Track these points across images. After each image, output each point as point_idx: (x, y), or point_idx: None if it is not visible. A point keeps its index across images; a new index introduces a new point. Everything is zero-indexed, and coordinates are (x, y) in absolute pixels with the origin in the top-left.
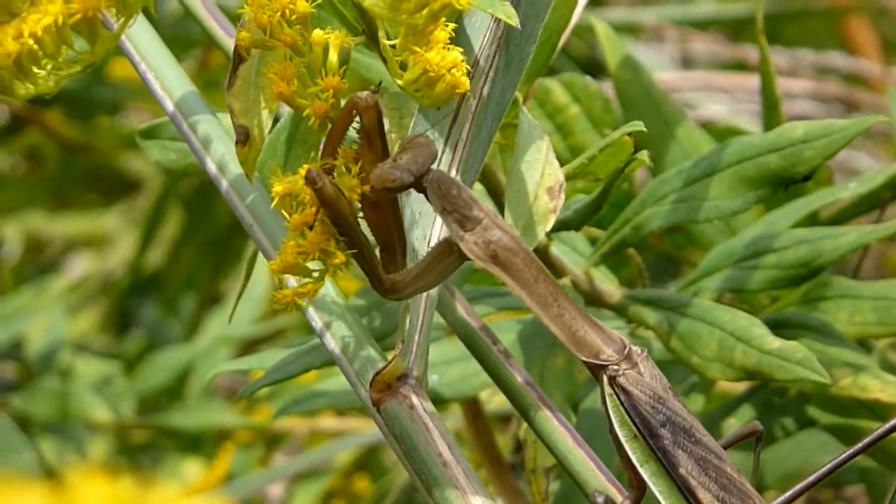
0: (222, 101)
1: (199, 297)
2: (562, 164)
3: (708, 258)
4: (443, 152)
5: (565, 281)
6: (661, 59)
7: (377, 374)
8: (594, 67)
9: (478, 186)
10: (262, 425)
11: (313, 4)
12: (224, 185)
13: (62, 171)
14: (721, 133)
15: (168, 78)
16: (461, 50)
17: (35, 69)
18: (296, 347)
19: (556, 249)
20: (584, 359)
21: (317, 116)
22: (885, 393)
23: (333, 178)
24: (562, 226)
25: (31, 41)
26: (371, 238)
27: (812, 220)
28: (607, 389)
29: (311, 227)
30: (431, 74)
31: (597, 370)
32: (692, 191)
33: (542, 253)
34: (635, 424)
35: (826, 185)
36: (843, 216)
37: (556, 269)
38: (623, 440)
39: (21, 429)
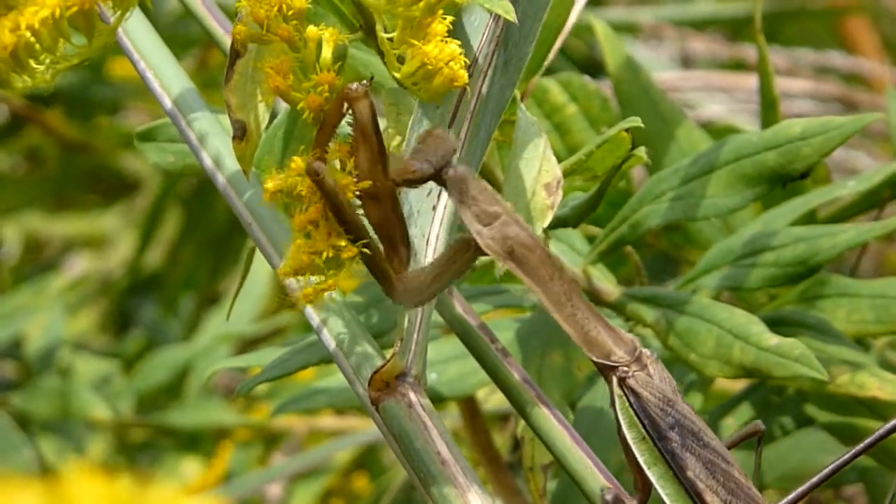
0: (221, 100)
1: (198, 296)
2: (559, 162)
3: (706, 257)
4: None
5: None
6: (659, 59)
7: (375, 372)
8: (593, 67)
9: None
10: (260, 424)
11: (310, 0)
12: (223, 183)
13: (61, 171)
14: (720, 133)
15: (167, 77)
16: (459, 43)
17: (33, 63)
18: (294, 345)
19: (553, 247)
20: (594, 359)
21: (311, 109)
22: (883, 390)
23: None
24: (559, 223)
25: (28, 34)
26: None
27: (810, 219)
28: (617, 391)
29: (316, 225)
30: (429, 67)
31: (607, 371)
32: (689, 188)
33: None
34: (644, 426)
35: (824, 184)
36: (842, 216)
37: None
38: (631, 442)
39: (20, 427)
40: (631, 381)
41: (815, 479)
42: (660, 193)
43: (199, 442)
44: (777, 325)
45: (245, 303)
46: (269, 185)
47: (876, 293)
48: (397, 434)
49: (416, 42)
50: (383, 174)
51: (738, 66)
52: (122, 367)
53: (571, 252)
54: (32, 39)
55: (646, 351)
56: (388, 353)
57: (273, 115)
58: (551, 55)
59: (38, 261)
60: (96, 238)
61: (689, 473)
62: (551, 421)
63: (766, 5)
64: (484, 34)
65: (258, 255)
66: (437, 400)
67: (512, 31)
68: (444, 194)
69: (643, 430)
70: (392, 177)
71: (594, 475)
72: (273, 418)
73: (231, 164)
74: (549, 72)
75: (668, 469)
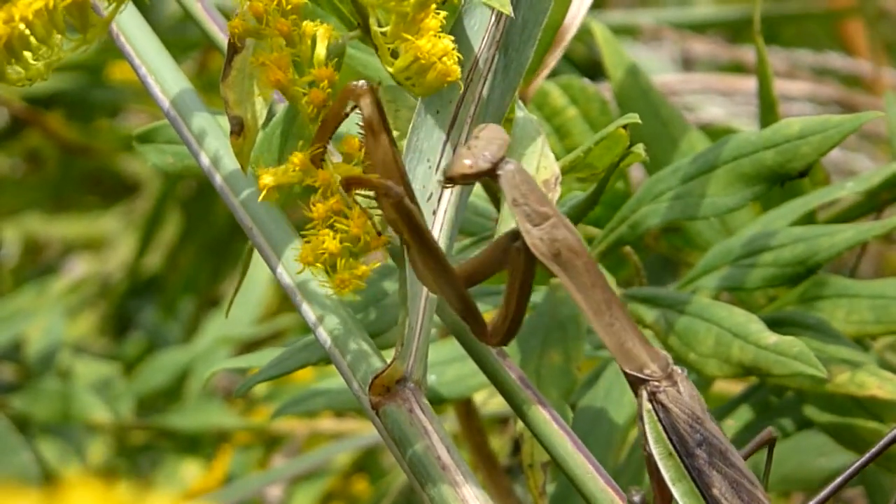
0: (221, 102)
1: (198, 299)
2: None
3: (705, 257)
4: (442, 155)
5: None
6: (659, 61)
7: (376, 377)
8: (593, 69)
9: None
10: (260, 427)
11: None
12: (224, 186)
13: (61, 173)
14: (719, 135)
15: (167, 80)
16: (452, 38)
17: (28, 55)
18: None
19: None
20: (627, 371)
21: (315, 105)
22: (883, 389)
23: (324, 166)
24: None
25: (21, 25)
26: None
27: (809, 220)
28: (646, 405)
29: (341, 214)
30: (422, 62)
31: (638, 384)
32: (688, 188)
33: None
34: (672, 442)
35: (823, 185)
36: (841, 219)
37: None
38: (657, 457)
39: (20, 430)
40: (661, 396)
41: (824, 494)
42: (658, 193)
43: (199, 445)
44: (776, 325)
45: (245, 305)
46: (268, 179)
47: (875, 294)
48: (398, 438)
49: (409, 37)
50: (395, 168)
51: (738, 68)
52: (122, 370)
53: None
54: (27, 32)
55: (677, 368)
56: (387, 356)
57: (271, 115)
58: (554, 61)
59: (37, 263)
60: (96, 240)
61: (715, 491)
62: (551, 424)
63: (766, 8)
64: (484, 38)
65: (257, 258)
66: (437, 402)
67: (512, 35)
68: (444, 200)
69: (670, 446)
70: (448, 173)
71: (593, 477)
72: (273, 421)
73: (230, 164)
74: (550, 74)
75: (694, 486)
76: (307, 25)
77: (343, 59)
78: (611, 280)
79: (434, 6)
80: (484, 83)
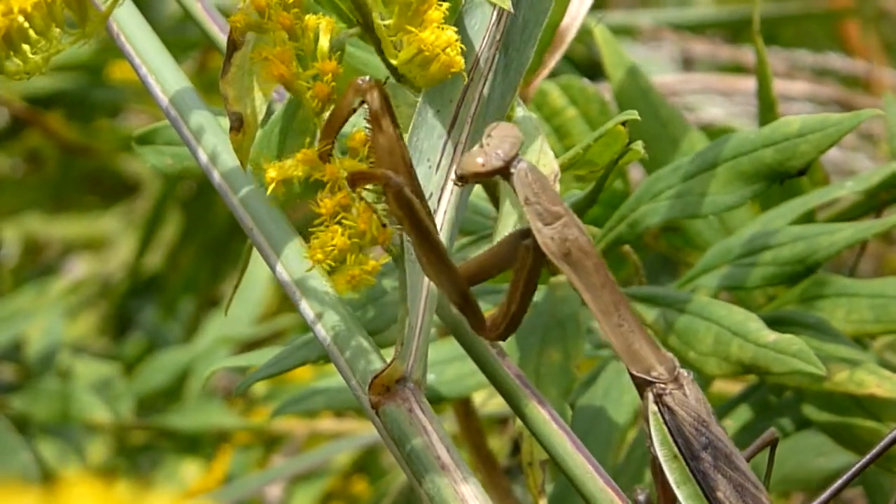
0: (221, 102)
1: (198, 299)
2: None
3: (705, 257)
4: (442, 155)
5: (561, 278)
6: (659, 62)
7: (376, 376)
8: (593, 70)
9: None
10: (260, 427)
11: None
12: (223, 184)
13: (61, 173)
14: (719, 135)
15: (167, 79)
16: (455, 29)
17: (27, 49)
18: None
19: None
20: (634, 372)
21: (319, 99)
22: (882, 388)
23: (331, 162)
24: None
25: (20, 18)
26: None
27: (809, 220)
28: (652, 407)
29: (348, 209)
30: (426, 54)
31: (644, 386)
32: (688, 186)
33: None
34: (677, 445)
35: (822, 186)
36: (840, 219)
37: (553, 267)
38: (662, 459)
39: (20, 430)
40: (667, 399)
41: (825, 496)
42: (658, 192)
43: (199, 445)
44: (776, 324)
45: (244, 305)
46: (273, 173)
47: (875, 293)
48: (397, 438)
49: (412, 28)
50: (402, 162)
51: (738, 68)
52: (122, 370)
53: None
54: (25, 24)
55: (683, 371)
56: (386, 354)
57: (269, 113)
58: (553, 61)
59: (37, 263)
60: (96, 240)
61: (720, 495)
62: (550, 424)
63: (766, 8)
64: (485, 38)
65: (256, 258)
66: (436, 401)
67: (513, 35)
68: (444, 199)
69: (675, 449)
70: (460, 172)
71: (592, 477)
72: (273, 421)
73: (229, 162)
74: (550, 75)
75: (699, 489)
76: (310, 19)
77: (343, 56)
78: None
79: None
80: (484, 83)
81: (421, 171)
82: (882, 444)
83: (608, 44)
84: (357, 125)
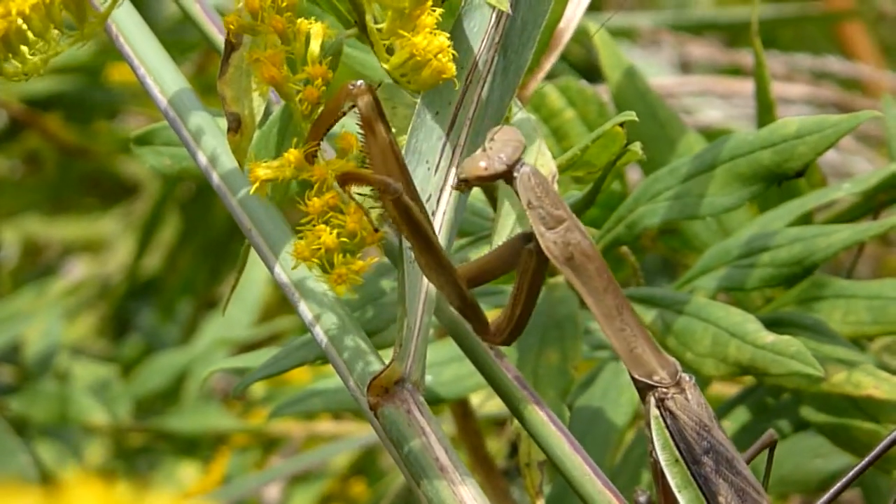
0: (220, 104)
1: (196, 301)
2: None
3: (702, 258)
4: (441, 157)
5: (559, 279)
6: (657, 64)
7: (374, 378)
8: (591, 71)
9: None
10: (258, 429)
11: None
12: (221, 186)
13: (60, 175)
14: (717, 137)
15: (166, 80)
16: (447, 35)
17: (25, 50)
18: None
19: None
20: (636, 376)
21: (309, 102)
22: (879, 389)
23: (317, 162)
24: None
25: (19, 19)
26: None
27: (806, 222)
28: (654, 411)
29: (337, 209)
30: (418, 59)
31: (646, 390)
32: (686, 188)
33: None
34: (679, 449)
35: (820, 187)
36: (838, 221)
37: (551, 268)
38: (664, 463)
39: (18, 432)
40: (670, 403)
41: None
42: (656, 193)
43: (196, 446)
44: (774, 325)
45: (242, 307)
46: (260, 172)
47: (872, 294)
48: (396, 440)
49: (405, 33)
50: (396, 166)
51: (736, 71)
52: (120, 372)
53: None
54: (24, 26)
55: (685, 375)
56: (385, 355)
57: (268, 114)
58: (549, 63)
59: (36, 265)
60: (95, 242)
61: (721, 499)
62: (548, 426)
63: (764, 10)
64: (483, 40)
65: (255, 261)
66: (434, 402)
67: (511, 37)
68: (443, 201)
69: (677, 453)
70: (463, 175)
71: (590, 479)
72: (271, 423)
73: (228, 163)
74: (548, 77)
75: (700, 493)
76: (302, 23)
77: (340, 57)
78: None
79: (430, 3)
80: (483, 85)
81: (420, 173)
82: (881, 446)
83: (606, 46)
84: (346, 126)
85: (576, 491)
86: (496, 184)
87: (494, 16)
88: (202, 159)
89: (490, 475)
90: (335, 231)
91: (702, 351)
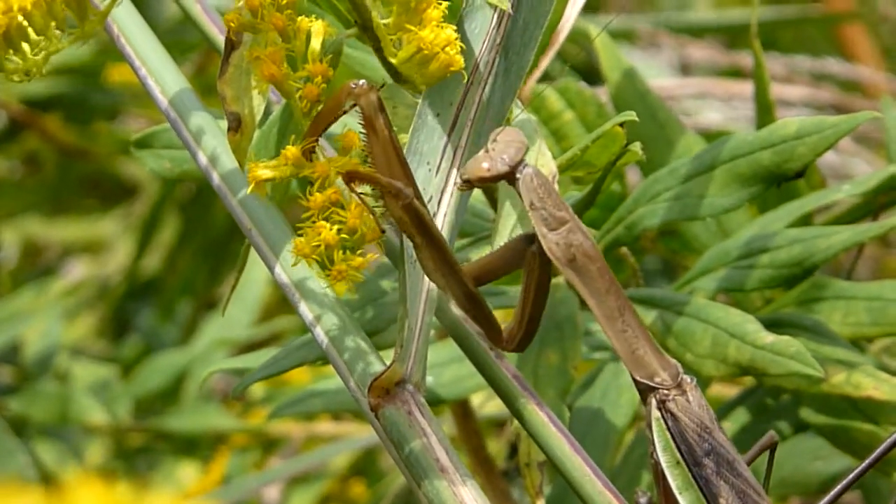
0: (220, 105)
1: (196, 301)
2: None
3: (702, 259)
4: (442, 158)
5: (559, 280)
6: (657, 66)
7: (375, 379)
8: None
9: None
10: (258, 429)
11: None
12: (221, 186)
13: (60, 176)
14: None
15: (166, 80)
16: (454, 27)
17: (26, 48)
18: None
19: None
20: (637, 378)
21: (308, 100)
22: (879, 390)
23: (314, 159)
24: None
25: (19, 16)
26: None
27: (805, 223)
28: (655, 413)
29: (338, 205)
30: (425, 52)
31: (647, 392)
32: (685, 188)
33: None
34: (680, 451)
35: (819, 189)
36: (838, 222)
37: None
38: (665, 465)
39: (18, 432)
40: (671, 405)
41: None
42: (656, 194)
43: (196, 447)
44: (773, 326)
45: (242, 307)
46: (259, 172)
47: (872, 296)
48: (396, 441)
49: (411, 27)
50: (399, 167)
51: (736, 73)
52: (119, 372)
53: None
54: (25, 23)
55: (686, 377)
56: (385, 355)
57: (267, 114)
58: (545, 63)
59: (36, 265)
60: (94, 243)
61: (722, 501)
62: (548, 426)
63: (764, 12)
64: (485, 42)
65: (255, 261)
66: (434, 403)
67: (513, 39)
68: (444, 202)
69: (678, 455)
70: (465, 176)
71: (590, 479)
72: (271, 423)
73: (228, 163)
74: (548, 78)
75: (701, 495)
76: (302, 21)
77: (340, 57)
78: None
79: None
80: (485, 86)
81: (421, 174)
82: (881, 448)
83: (605, 47)
84: (347, 125)
85: (576, 491)
86: (497, 185)
87: (496, 17)
88: (202, 159)
89: (490, 476)
90: (335, 227)
91: (702, 352)
